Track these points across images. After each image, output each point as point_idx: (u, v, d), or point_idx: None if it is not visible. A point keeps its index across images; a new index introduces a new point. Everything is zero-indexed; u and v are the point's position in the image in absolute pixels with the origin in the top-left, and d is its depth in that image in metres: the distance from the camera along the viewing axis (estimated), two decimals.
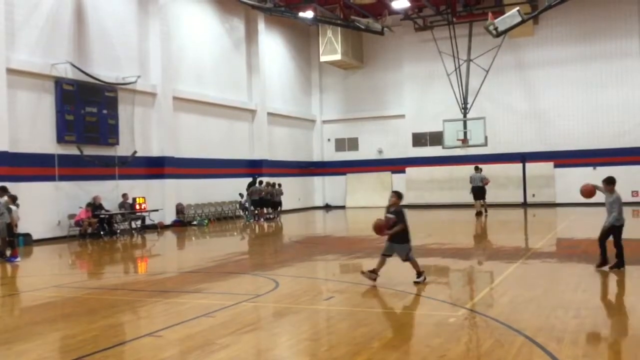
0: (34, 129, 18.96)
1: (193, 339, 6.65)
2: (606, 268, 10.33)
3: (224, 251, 15.85)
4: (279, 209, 28.40)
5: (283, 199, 28.64)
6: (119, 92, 21.90)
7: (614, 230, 10.34)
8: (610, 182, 10.45)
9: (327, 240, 18.61)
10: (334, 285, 9.86)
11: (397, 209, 9.42)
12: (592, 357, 5.67)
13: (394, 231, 9.34)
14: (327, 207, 35.66)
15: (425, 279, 9.63)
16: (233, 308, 8.25)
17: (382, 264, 9.61)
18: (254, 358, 6.19)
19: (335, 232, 22.41)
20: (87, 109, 20.46)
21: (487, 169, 26.56)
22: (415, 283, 9.51)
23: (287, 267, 12.37)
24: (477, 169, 25.61)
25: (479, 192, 25.08)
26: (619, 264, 10.34)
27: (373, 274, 9.58)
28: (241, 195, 27.30)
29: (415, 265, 9.60)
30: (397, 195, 9.58)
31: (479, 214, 24.88)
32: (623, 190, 33.12)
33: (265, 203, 27.22)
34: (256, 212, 27.06)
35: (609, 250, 10.38)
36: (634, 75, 29.43)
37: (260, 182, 27.19)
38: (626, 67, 29.57)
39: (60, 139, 19.66)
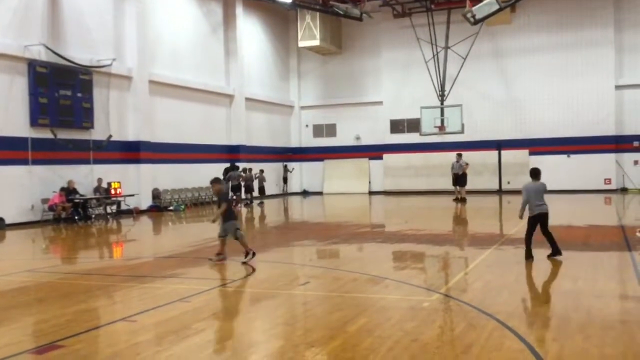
0: (6, 112, 18.62)
1: (168, 324, 6.64)
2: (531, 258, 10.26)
3: (201, 236, 15.79)
4: (262, 194, 28.71)
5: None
6: (93, 75, 21.58)
7: (541, 218, 10.27)
8: (536, 173, 10.42)
9: (304, 226, 18.66)
10: (310, 271, 9.89)
11: (220, 194, 10.59)
12: (561, 341, 5.79)
13: (222, 210, 10.41)
14: (305, 193, 35.68)
15: (253, 256, 10.42)
16: (208, 293, 8.24)
17: (223, 244, 10.65)
18: (229, 342, 6.20)
19: (312, 218, 22.46)
20: (61, 92, 20.15)
21: (464, 156, 26.82)
22: (243, 263, 10.31)
23: (264, 253, 12.37)
24: (459, 155, 25.96)
25: (460, 178, 25.55)
26: (555, 252, 10.25)
27: (220, 255, 10.58)
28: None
29: (244, 244, 10.52)
30: (217, 181, 10.77)
31: (460, 200, 25.17)
32: (595, 178, 33.21)
33: (244, 188, 27.15)
34: (234, 197, 26.95)
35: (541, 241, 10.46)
36: (608, 64, 29.81)
37: (237, 168, 27.10)
38: (601, 56, 29.93)
39: (34, 122, 19.35)
